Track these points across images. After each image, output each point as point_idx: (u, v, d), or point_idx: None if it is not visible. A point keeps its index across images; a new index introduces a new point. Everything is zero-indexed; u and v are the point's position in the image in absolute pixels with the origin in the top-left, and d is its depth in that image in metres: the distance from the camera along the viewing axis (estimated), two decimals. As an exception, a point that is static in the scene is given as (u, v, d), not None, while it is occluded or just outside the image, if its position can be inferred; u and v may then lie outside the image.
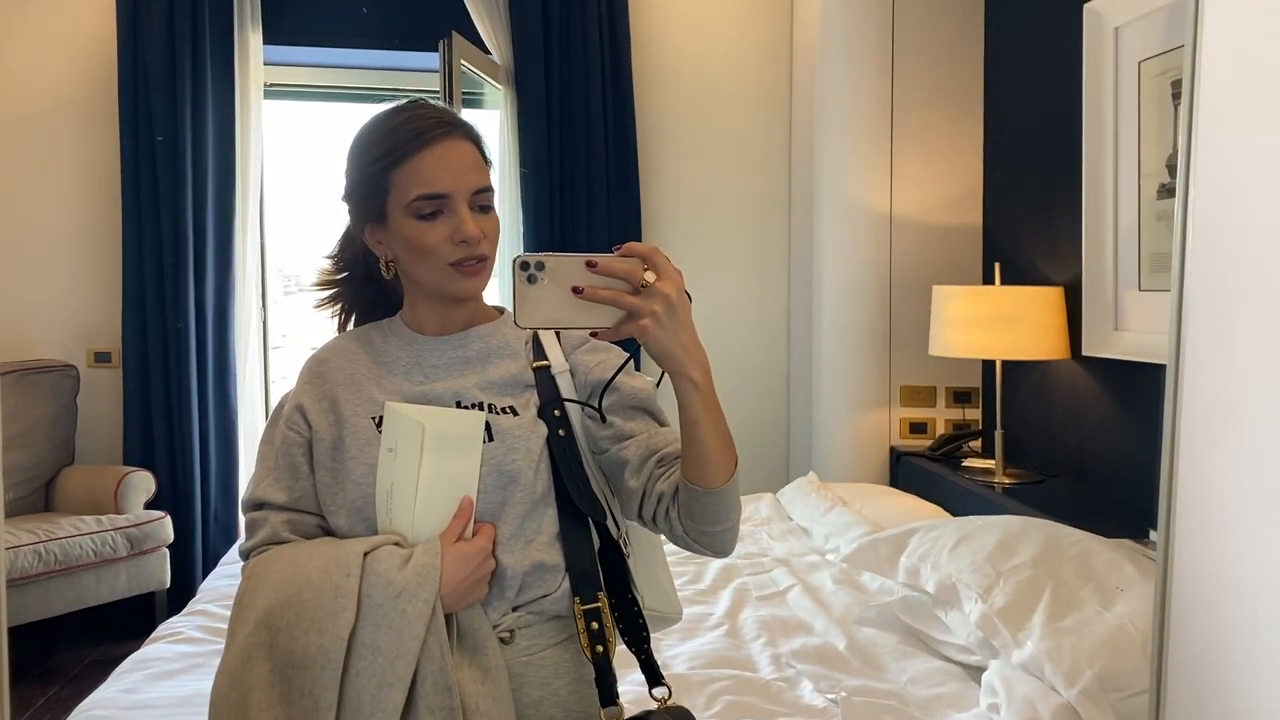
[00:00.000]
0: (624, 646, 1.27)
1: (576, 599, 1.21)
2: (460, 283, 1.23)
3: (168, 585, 3.71)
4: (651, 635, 1.29)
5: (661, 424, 1.27)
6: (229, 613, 1.90)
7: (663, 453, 1.23)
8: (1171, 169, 2.43)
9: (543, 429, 1.23)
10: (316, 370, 1.32)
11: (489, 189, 1.24)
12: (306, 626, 1.11)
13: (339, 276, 1.40)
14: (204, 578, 3.00)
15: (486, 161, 1.27)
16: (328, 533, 1.26)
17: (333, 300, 1.41)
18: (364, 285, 1.40)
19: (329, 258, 1.40)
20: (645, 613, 1.30)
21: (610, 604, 1.25)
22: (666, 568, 1.40)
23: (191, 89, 3.82)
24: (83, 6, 3.90)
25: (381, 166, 1.21)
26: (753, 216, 4.29)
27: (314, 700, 1.08)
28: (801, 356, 4.08)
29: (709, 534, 1.18)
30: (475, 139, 1.26)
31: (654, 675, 1.27)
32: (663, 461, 1.22)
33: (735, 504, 1.18)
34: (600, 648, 1.20)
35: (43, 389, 3.79)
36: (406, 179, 1.20)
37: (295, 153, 5.01)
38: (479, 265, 1.23)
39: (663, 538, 1.28)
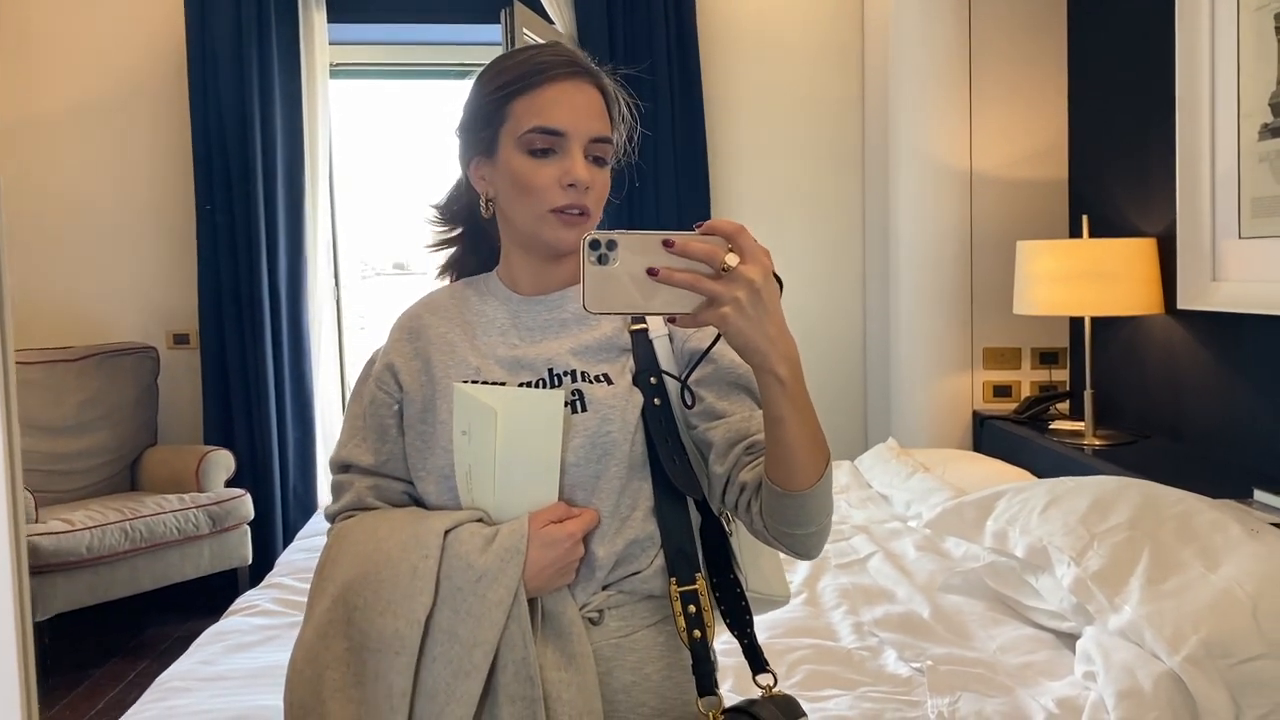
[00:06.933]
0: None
1: (673, 580, 1.12)
2: (559, 231, 1.17)
3: (249, 561, 3.76)
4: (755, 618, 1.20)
5: (761, 405, 1.16)
6: (305, 585, 1.91)
7: (753, 439, 1.12)
8: (1275, 108, 2.28)
9: (638, 397, 1.15)
10: (410, 327, 1.27)
11: (608, 140, 1.18)
12: (382, 608, 1.07)
13: (453, 234, 1.34)
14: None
15: (613, 119, 1.21)
16: (415, 499, 1.21)
17: (446, 268, 1.35)
18: (478, 243, 1.33)
19: (436, 206, 1.34)
20: (748, 594, 1.20)
21: (711, 584, 1.16)
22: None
23: (259, 71, 3.83)
24: (151, -8, 3.95)
25: (503, 95, 1.17)
26: (826, 177, 4.17)
27: (388, 686, 1.05)
28: (879, 319, 3.96)
29: (791, 536, 1.07)
30: (604, 89, 1.21)
31: (758, 661, 1.17)
32: (752, 449, 1.12)
33: (822, 508, 1.06)
34: (698, 632, 1.10)
35: (124, 371, 3.86)
36: (525, 109, 1.15)
37: (362, 132, 5.03)
38: (581, 217, 1.17)
39: None
